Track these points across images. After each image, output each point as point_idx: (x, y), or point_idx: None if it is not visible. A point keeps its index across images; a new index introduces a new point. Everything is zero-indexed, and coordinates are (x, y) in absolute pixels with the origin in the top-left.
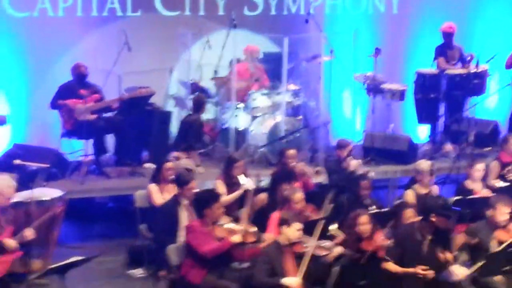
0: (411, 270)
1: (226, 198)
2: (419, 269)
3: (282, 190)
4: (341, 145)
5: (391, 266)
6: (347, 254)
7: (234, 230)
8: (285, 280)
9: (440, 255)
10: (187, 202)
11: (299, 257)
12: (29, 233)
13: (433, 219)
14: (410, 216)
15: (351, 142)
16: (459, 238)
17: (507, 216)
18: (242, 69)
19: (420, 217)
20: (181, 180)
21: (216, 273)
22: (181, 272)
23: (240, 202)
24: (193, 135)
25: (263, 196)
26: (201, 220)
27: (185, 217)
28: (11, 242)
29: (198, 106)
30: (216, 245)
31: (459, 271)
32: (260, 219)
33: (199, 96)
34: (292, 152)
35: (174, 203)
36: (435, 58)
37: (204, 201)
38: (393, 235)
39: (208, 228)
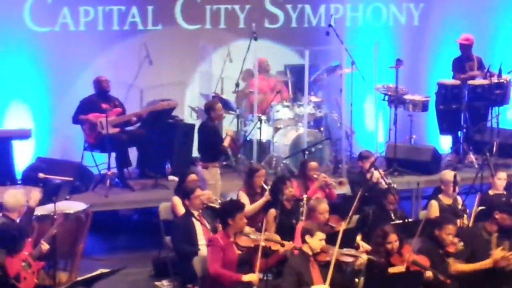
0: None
1: (250, 207)
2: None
3: (285, 195)
4: (363, 157)
5: (464, 267)
6: (375, 263)
7: (257, 240)
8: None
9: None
10: (199, 212)
11: (324, 266)
12: (44, 246)
13: (497, 216)
14: None
15: (373, 154)
16: None
17: None
18: (258, 80)
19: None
20: (185, 192)
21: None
22: (206, 284)
23: (264, 213)
24: (206, 144)
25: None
26: (224, 231)
27: (199, 226)
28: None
29: (207, 112)
30: (225, 272)
31: None
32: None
33: (208, 102)
34: (313, 164)
35: (187, 215)
36: (452, 71)
37: (228, 211)
38: (460, 237)
39: (230, 240)
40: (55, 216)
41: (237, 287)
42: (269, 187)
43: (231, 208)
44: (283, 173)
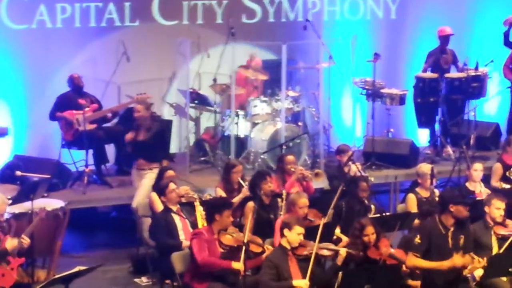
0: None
1: None
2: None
3: (264, 190)
4: (341, 151)
5: (421, 262)
6: (354, 257)
7: (239, 239)
8: (295, 283)
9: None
10: (177, 208)
11: (303, 260)
12: (25, 240)
13: (452, 209)
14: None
15: (351, 147)
16: None
17: (502, 212)
18: (240, 76)
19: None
20: (161, 189)
21: (220, 280)
22: (185, 280)
23: (241, 208)
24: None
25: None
26: (208, 227)
27: (178, 220)
28: (11, 242)
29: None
30: (214, 260)
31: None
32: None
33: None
34: (290, 157)
35: (166, 211)
36: (425, 63)
37: (217, 207)
38: (418, 231)
39: (214, 237)
40: (36, 211)
41: (222, 279)
42: (247, 183)
43: (219, 204)
44: (262, 168)
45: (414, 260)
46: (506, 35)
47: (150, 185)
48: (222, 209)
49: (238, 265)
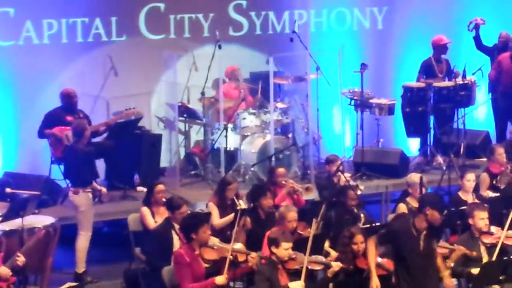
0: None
1: (220, 221)
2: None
3: (262, 205)
4: (330, 161)
5: (387, 263)
6: (344, 269)
7: (222, 251)
8: (291, 285)
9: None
10: (178, 228)
11: (293, 274)
12: (20, 259)
13: (428, 212)
14: None
15: (340, 157)
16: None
17: (486, 221)
18: (229, 88)
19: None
20: (173, 205)
21: None
22: None
23: (233, 225)
24: (75, 168)
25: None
26: (188, 245)
27: (177, 240)
28: (3, 270)
29: (78, 135)
30: (199, 285)
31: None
32: (252, 238)
33: (78, 123)
34: (281, 170)
35: (166, 226)
36: (419, 72)
37: (190, 226)
38: (388, 230)
39: (195, 253)
40: (35, 229)
41: None
42: (241, 201)
43: (192, 223)
44: (253, 181)
45: (370, 244)
46: (476, 38)
47: None
48: (197, 227)
49: (220, 280)
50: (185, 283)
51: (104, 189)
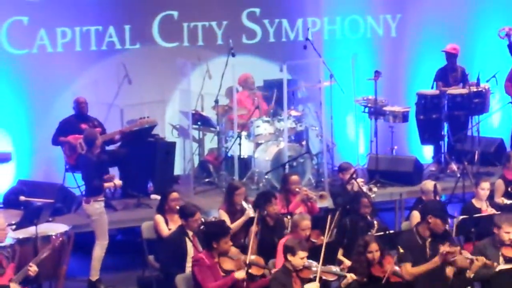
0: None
1: (230, 226)
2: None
3: (269, 212)
4: (343, 168)
5: (417, 269)
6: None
7: (240, 263)
8: (307, 286)
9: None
10: (193, 233)
11: (307, 282)
12: (32, 269)
13: (430, 220)
14: None
15: (353, 165)
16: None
17: (511, 236)
18: (242, 97)
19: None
20: (186, 213)
21: None
22: None
23: (245, 230)
24: (87, 177)
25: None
26: (208, 252)
27: (190, 247)
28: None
29: (88, 144)
30: (220, 282)
31: None
32: (261, 245)
33: (89, 132)
34: (295, 177)
35: (180, 233)
36: (434, 81)
37: (213, 234)
38: (398, 243)
39: (214, 260)
40: (53, 236)
41: None
42: (250, 205)
43: (215, 232)
44: (268, 189)
45: (410, 270)
46: (510, 46)
47: None
48: (219, 237)
49: (240, 274)
50: (206, 283)
51: (118, 182)
